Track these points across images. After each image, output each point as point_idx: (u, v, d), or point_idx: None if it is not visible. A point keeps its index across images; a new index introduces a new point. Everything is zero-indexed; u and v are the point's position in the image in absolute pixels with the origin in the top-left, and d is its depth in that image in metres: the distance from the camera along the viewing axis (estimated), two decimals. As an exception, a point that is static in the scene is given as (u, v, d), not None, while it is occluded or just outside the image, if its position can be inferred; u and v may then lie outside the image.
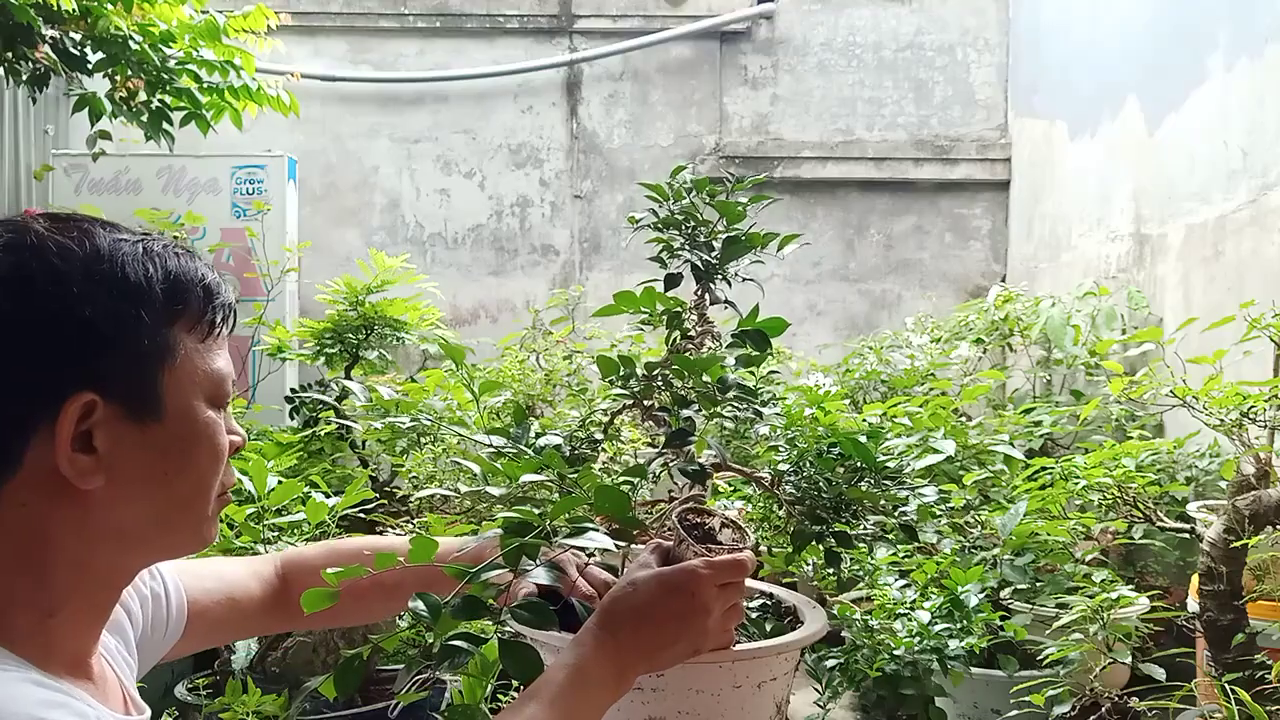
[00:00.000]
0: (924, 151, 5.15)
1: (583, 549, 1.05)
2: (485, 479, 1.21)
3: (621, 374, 1.26)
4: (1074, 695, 2.00)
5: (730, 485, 2.28)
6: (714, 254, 1.31)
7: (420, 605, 0.94)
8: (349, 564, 1.00)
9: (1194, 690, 2.07)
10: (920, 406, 2.49)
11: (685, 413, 1.23)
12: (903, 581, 2.28)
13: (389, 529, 2.32)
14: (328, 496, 2.02)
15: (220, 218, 4.37)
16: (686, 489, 1.24)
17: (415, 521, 2.33)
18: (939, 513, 1.29)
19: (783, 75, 5.21)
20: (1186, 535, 2.38)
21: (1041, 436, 3.19)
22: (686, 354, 1.26)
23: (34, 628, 0.81)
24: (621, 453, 2.40)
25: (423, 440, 2.36)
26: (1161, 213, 3.60)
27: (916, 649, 2.03)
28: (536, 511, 1.02)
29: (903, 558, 2.33)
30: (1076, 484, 2.40)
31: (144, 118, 3.33)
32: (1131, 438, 2.85)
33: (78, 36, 3.14)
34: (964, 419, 3.05)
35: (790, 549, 1.28)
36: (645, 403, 1.27)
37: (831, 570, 1.73)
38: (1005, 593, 2.47)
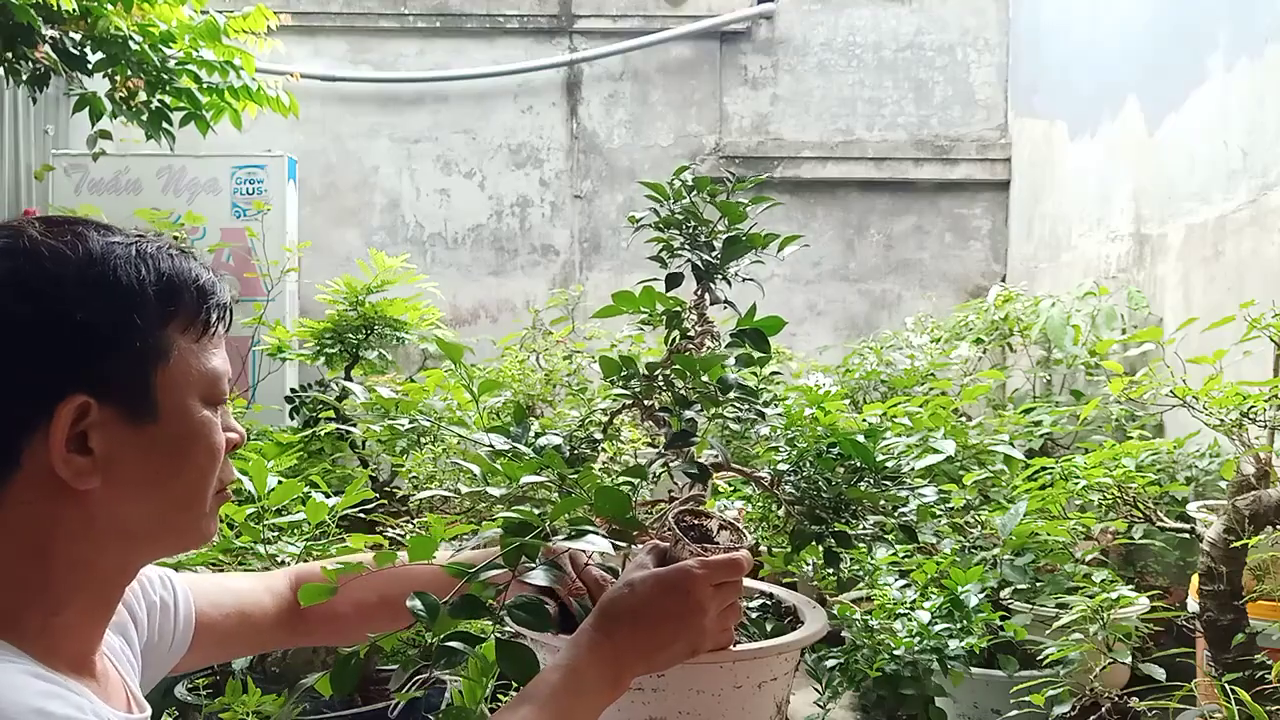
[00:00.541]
0: (924, 151, 5.15)
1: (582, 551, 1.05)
2: (485, 479, 1.21)
3: (623, 374, 1.26)
4: (1074, 695, 2.00)
5: (730, 485, 2.28)
6: (714, 254, 1.31)
7: (418, 604, 0.94)
8: (364, 580, 1.01)
9: (1194, 690, 2.07)
10: (920, 406, 2.49)
11: (687, 413, 1.23)
12: (903, 581, 2.27)
13: (389, 529, 2.32)
14: (328, 496, 2.02)
15: (220, 218, 4.37)
16: (687, 489, 1.24)
17: (415, 521, 2.33)
18: (939, 513, 1.29)
19: (783, 75, 5.21)
20: (1186, 535, 2.38)
21: (1041, 436, 3.19)
22: (687, 354, 1.26)
23: (40, 626, 0.82)
24: (621, 453, 2.40)
25: (423, 440, 2.36)
26: (1161, 213, 3.60)
27: (916, 649, 2.03)
28: (536, 512, 1.02)
29: (903, 558, 2.33)
30: (1076, 484, 2.40)
31: (144, 118, 3.33)
32: (1131, 438, 2.85)
33: (78, 36, 3.14)
34: (964, 419, 3.05)
35: (790, 549, 1.28)
36: (646, 403, 1.27)
37: (831, 570, 1.73)
38: (1005, 593, 2.47)
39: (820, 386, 2.71)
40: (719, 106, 5.21)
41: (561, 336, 3.87)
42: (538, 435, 1.32)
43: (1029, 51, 4.98)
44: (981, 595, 2.19)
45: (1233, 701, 1.68)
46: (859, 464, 1.27)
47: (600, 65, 5.18)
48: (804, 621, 1.26)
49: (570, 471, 1.19)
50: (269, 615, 1.18)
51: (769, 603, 1.36)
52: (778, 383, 3.32)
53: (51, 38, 3.11)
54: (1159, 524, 2.39)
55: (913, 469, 1.32)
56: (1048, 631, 2.18)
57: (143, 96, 3.30)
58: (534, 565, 1.02)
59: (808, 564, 2.51)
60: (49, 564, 0.82)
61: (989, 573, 2.35)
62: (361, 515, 2.35)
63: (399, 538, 2.19)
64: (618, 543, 1.13)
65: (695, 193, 1.31)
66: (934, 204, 5.20)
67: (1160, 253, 3.60)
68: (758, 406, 1.24)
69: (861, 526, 1.25)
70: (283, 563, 1.97)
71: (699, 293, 1.32)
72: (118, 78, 3.25)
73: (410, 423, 2.08)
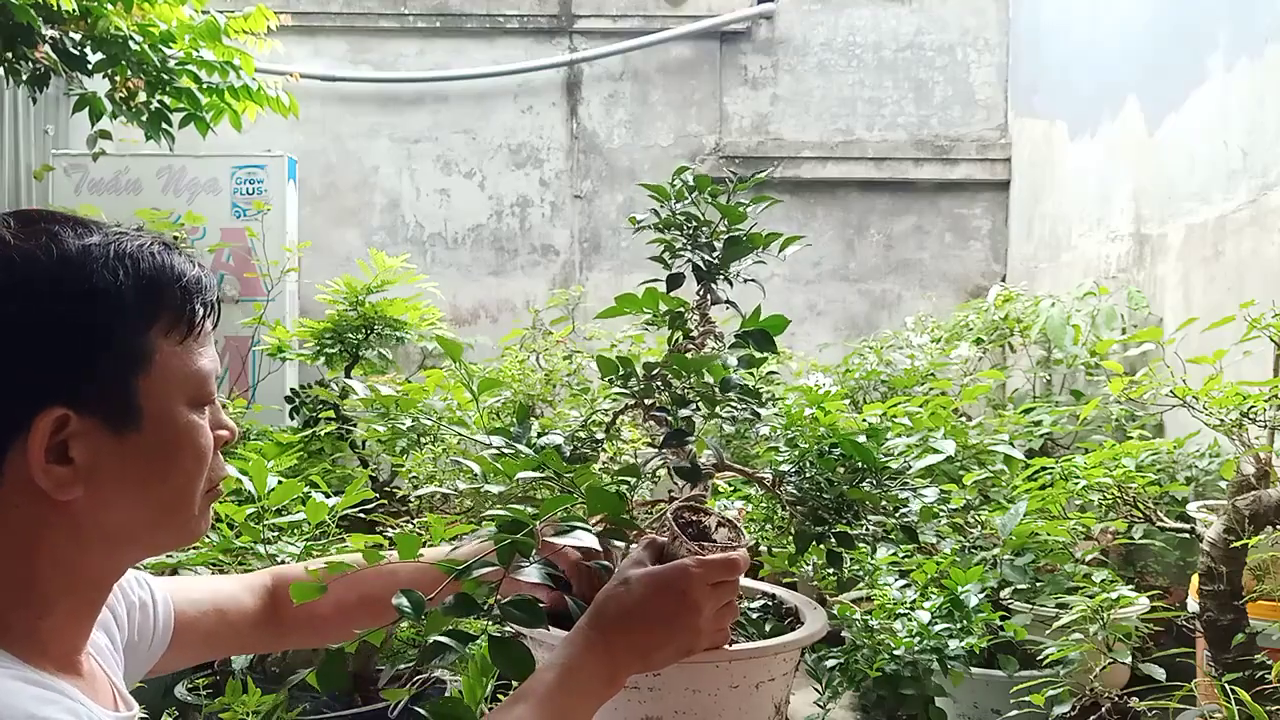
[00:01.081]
0: (924, 151, 5.15)
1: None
2: (485, 478, 1.21)
3: (621, 374, 1.26)
4: (1074, 695, 2.00)
5: (730, 485, 2.28)
6: (715, 254, 1.31)
7: (404, 601, 0.94)
8: (345, 580, 1.01)
9: (1194, 690, 2.07)
10: (920, 406, 2.49)
11: (684, 412, 1.22)
12: (903, 581, 2.27)
13: (389, 529, 2.32)
14: (328, 496, 2.02)
15: (220, 218, 4.37)
16: (686, 489, 1.24)
17: (415, 521, 2.33)
18: (940, 513, 1.29)
19: (783, 75, 5.21)
20: (1186, 535, 2.38)
21: (1041, 436, 3.19)
22: (688, 354, 1.26)
23: (27, 628, 0.81)
24: (622, 453, 2.40)
25: (423, 440, 2.36)
26: (1161, 213, 3.60)
27: (916, 649, 2.03)
28: (530, 511, 1.02)
29: (903, 558, 2.33)
30: (1076, 484, 2.40)
31: (144, 118, 3.33)
32: (1131, 438, 2.85)
33: (78, 36, 3.14)
34: (964, 419, 3.05)
35: (792, 549, 1.28)
36: (646, 402, 1.27)
37: (832, 570, 1.73)
38: (1005, 593, 2.47)
39: (820, 386, 2.71)
40: (719, 106, 5.21)
41: (561, 337, 3.87)
42: (539, 435, 1.32)
43: (1029, 51, 4.98)
44: (981, 595, 2.19)
45: (1233, 701, 1.68)
46: (860, 464, 1.27)
47: (600, 65, 5.18)
48: (804, 621, 1.26)
49: (568, 471, 1.19)
50: (248, 615, 1.17)
51: (770, 603, 1.36)
52: (777, 382, 3.32)
53: (51, 38, 3.11)
54: (1159, 524, 2.39)
55: (913, 469, 1.32)
56: (1048, 631, 2.18)
57: (143, 97, 3.30)
58: (527, 563, 1.02)
59: (808, 564, 2.51)
60: (35, 567, 0.81)
61: (989, 573, 2.35)
62: (361, 515, 2.35)
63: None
64: (614, 540, 1.13)
65: (696, 193, 1.31)
66: (934, 204, 5.20)
67: (1160, 253, 3.60)
68: (754, 406, 1.24)
69: (863, 527, 1.25)
70: (282, 563, 1.98)
71: (700, 293, 1.32)
72: (118, 78, 3.25)
73: (411, 422, 2.09)
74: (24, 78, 3.17)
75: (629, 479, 1.22)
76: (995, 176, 5.13)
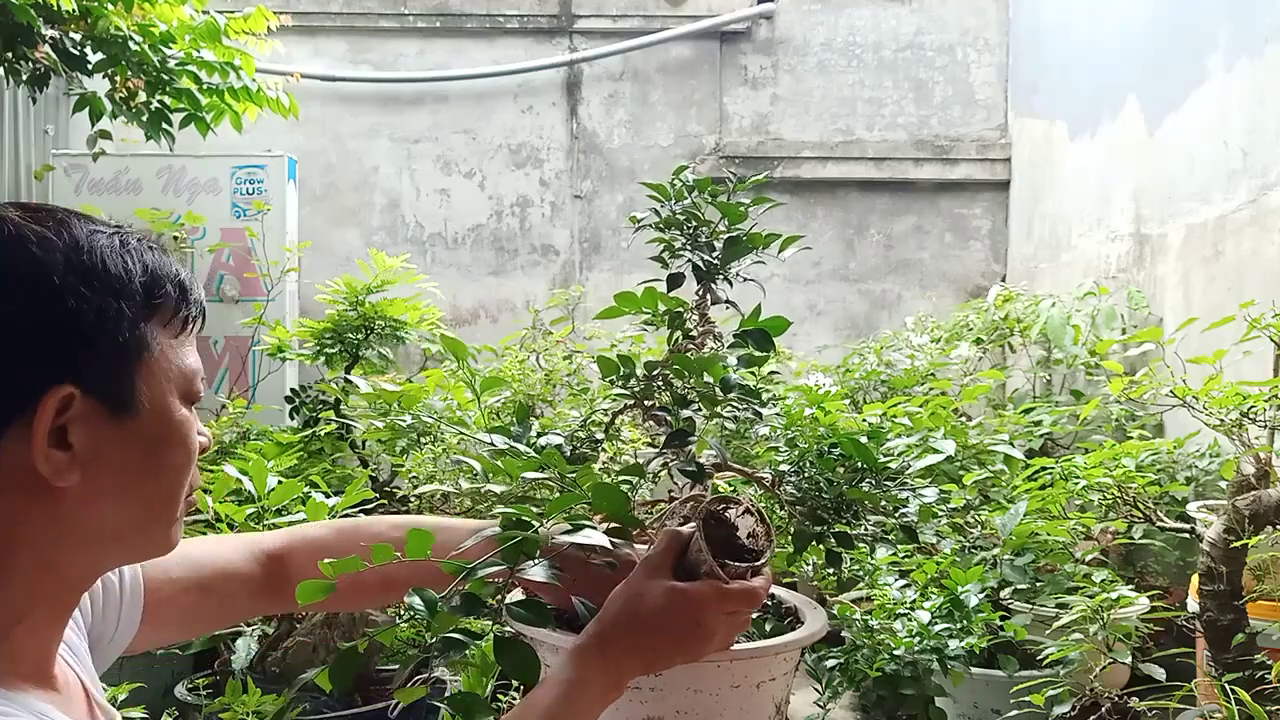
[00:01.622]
0: (924, 151, 5.15)
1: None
2: (486, 477, 1.21)
3: (621, 374, 1.26)
4: (1074, 695, 2.00)
5: (730, 485, 2.28)
6: (715, 254, 1.31)
7: (417, 601, 0.94)
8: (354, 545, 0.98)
9: (1194, 690, 2.07)
10: (920, 406, 2.49)
11: (685, 413, 1.22)
12: (903, 581, 2.28)
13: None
14: (328, 496, 2.02)
15: (220, 218, 4.37)
16: (687, 489, 1.24)
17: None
18: (939, 513, 1.29)
19: (783, 75, 5.21)
20: (1186, 535, 2.39)
21: (1041, 436, 3.19)
22: (688, 354, 1.26)
23: (0, 635, 0.80)
24: (622, 453, 2.40)
25: (423, 440, 2.36)
26: (1161, 213, 3.60)
27: (916, 649, 2.03)
28: (535, 510, 1.02)
29: (903, 558, 2.33)
30: (1076, 484, 2.40)
31: (144, 118, 3.33)
32: (1131, 438, 2.85)
33: (78, 36, 3.14)
34: (964, 419, 3.05)
35: (791, 549, 1.27)
36: (646, 403, 1.27)
37: (832, 570, 1.73)
38: (1005, 593, 2.47)
39: (820, 386, 2.71)
40: (719, 106, 5.21)
41: (562, 336, 3.87)
42: (539, 434, 1.32)
43: (1029, 51, 4.98)
44: (981, 595, 2.19)
45: (1233, 701, 1.68)
46: (860, 464, 1.27)
47: (600, 65, 5.18)
48: (804, 621, 1.26)
49: (570, 470, 1.18)
50: (241, 583, 1.12)
51: (769, 603, 1.36)
52: (777, 382, 3.32)
53: (51, 38, 3.11)
54: (1159, 524, 2.39)
55: (913, 469, 1.32)
56: (1048, 631, 2.18)
57: (143, 97, 3.30)
58: (533, 563, 1.01)
59: (808, 564, 2.51)
60: (14, 564, 0.80)
61: (989, 573, 2.35)
62: (361, 515, 2.35)
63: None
64: (616, 540, 1.12)
65: (696, 193, 1.31)
66: (934, 204, 5.20)
67: (1160, 253, 3.60)
68: (755, 406, 1.24)
69: (863, 527, 1.25)
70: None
71: (700, 293, 1.32)
72: (118, 78, 3.25)
73: (411, 420, 2.09)
74: (24, 78, 3.17)
75: (632, 478, 1.21)
76: (995, 176, 5.14)
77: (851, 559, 2.21)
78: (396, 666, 2.25)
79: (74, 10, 2.94)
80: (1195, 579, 2.01)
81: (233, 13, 3.37)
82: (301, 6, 4.94)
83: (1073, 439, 3.27)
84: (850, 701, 2.38)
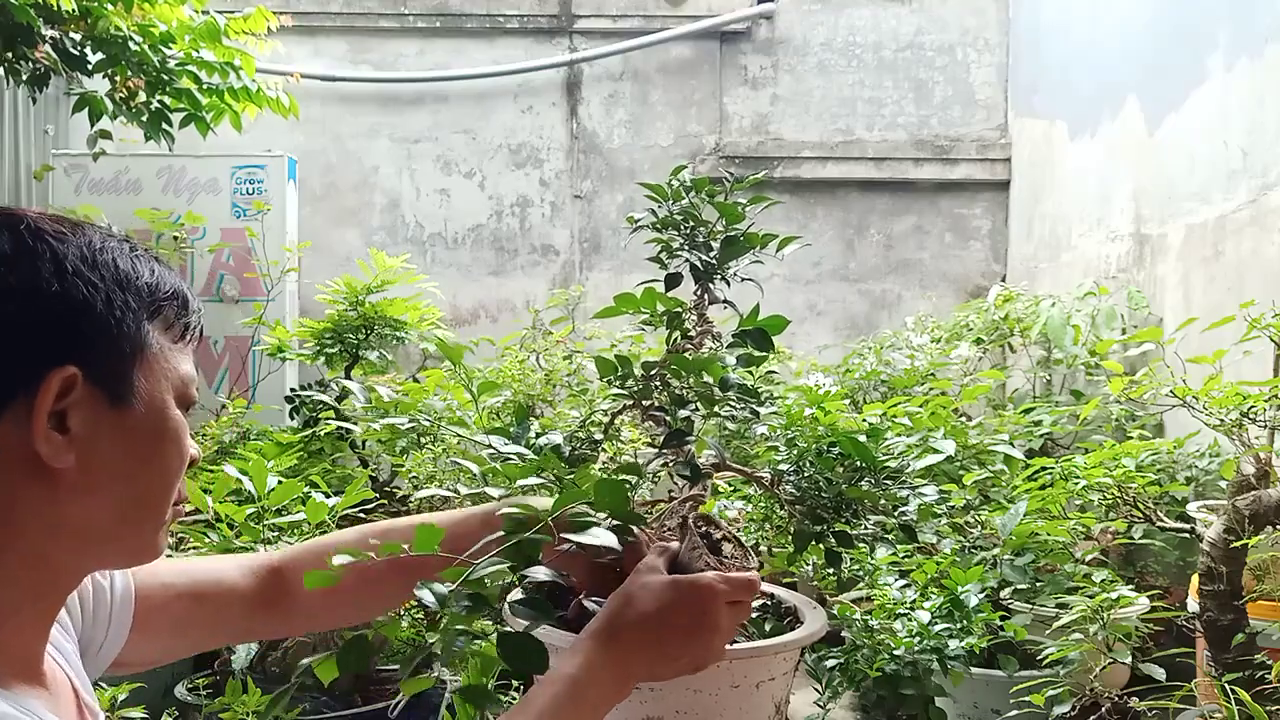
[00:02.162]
0: (924, 151, 5.15)
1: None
2: (485, 479, 1.21)
3: (619, 374, 1.26)
4: (1074, 695, 2.00)
5: (730, 485, 2.28)
6: (713, 254, 1.31)
7: (427, 594, 0.94)
8: (354, 578, 0.97)
9: (1194, 690, 2.07)
10: (920, 406, 2.49)
11: (683, 413, 1.22)
12: (903, 581, 2.27)
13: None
14: (328, 496, 2.02)
15: (220, 218, 4.37)
16: (686, 489, 1.24)
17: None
18: (939, 512, 1.29)
19: (783, 75, 5.21)
20: (1186, 535, 2.38)
21: (1041, 436, 3.19)
22: (686, 354, 1.26)
23: None
24: (621, 453, 2.40)
25: (422, 440, 2.36)
26: (1161, 213, 3.60)
27: (916, 649, 2.03)
28: (540, 507, 1.01)
29: (903, 558, 2.33)
30: (1076, 484, 2.40)
31: (144, 118, 3.33)
32: (1131, 438, 2.85)
33: (78, 36, 3.14)
34: (964, 419, 3.05)
35: (791, 549, 1.27)
36: (644, 403, 1.27)
37: (832, 570, 1.73)
38: (1005, 593, 2.47)
39: (820, 386, 2.71)
40: (719, 106, 5.21)
41: (561, 337, 3.87)
42: (538, 435, 1.32)
43: (1029, 51, 4.98)
44: (981, 595, 2.19)
45: (1233, 701, 1.68)
46: (859, 464, 1.27)
47: (600, 65, 5.18)
48: (804, 621, 1.26)
49: (568, 471, 1.18)
50: (236, 597, 1.11)
51: (769, 603, 1.36)
52: (776, 382, 3.31)
53: (51, 38, 3.11)
54: (1159, 524, 2.39)
55: (913, 469, 1.32)
56: (1048, 631, 2.18)
57: (143, 97, 3.30)
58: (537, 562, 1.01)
59: (808, 564, 2.51)
60: (5, 555, 0.81)
61: (989, 573, 2.35)
62: (361, 515, 2.35)
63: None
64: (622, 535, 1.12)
65: (694, 193, 1.31)
66: (934, 204, 5.20)
67: (1160, 253, 3.60)
68: (753, 406, 1.24)
69: (862, 526, 1.25)
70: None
71: (698, 293, 1.32)
72: (118, 78, 3.25)
73: (410, 422, 2.09)
74: (24, 78, 3.17)
75: (631, 477, 1.21)
76: (995, 176, 5.13)
77: (851, 559, 2.21)
78: (396, 667, 2.25)
79: (74, 10, 2.94)
80: (1195, 579, 2.01)
81: (233, 13, 3.37)
82: (301, 6, 4.94)
83: (1073, 439, 3.27)
84: (850, 701, 2.38)
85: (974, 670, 2.16)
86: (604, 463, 2.04)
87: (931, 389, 3.27)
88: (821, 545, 1.24)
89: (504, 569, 0.98)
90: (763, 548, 2.21)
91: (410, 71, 5.14)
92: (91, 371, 0.81)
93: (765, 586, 1.40)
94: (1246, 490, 2.01)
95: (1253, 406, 2.04)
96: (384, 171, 5.17)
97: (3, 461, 0.79)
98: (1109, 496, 2.40)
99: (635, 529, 1.11)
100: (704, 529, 1.15)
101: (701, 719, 1.12)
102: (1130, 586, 2.20)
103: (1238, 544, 1.89)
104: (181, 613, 1.08)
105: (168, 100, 3.35)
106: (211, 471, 2.09)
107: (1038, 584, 2.42)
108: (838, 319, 5.21)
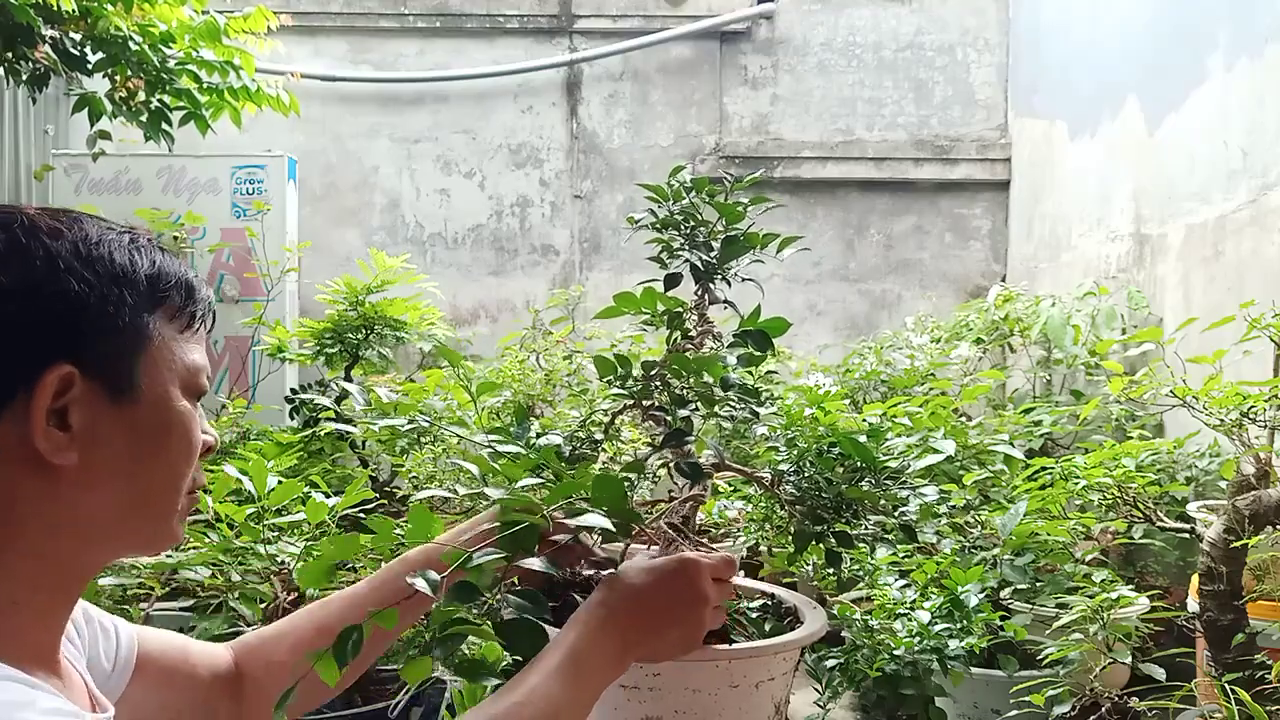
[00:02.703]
0: (924, 151, 5.15)
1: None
2: (484, 480, 1.21)
3: (619, 374, 1.26)
4: (1074, 695, 2.00)
5: (730, 485, 2.28)
6: (713, 254, 1.31)
7: (421, 582, 0.94)
8: (299, 620, 1.02)
9: (1194, 690, 2.07)
10: (920, 406, 2.49)
11: (682, 412, 1.22)
12: (903, 581, 2.27)
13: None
14: (328, 496, 2.02)
15: (220, 218, 4.37)
16: (686, 489, 1.24)
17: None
18: (939, 512, 1.29)
19: (783, 75, 5.21)
20: (1186, 535, 2.38)
21: (1041, 436, 3.19)
22: (686, 354, 1.26)
23: None
24: (621, 453, 2.40)
25: (422, 440, 2.36)
26: (1161, 213, 3.60)
27: (916, 649, 2.03)
28: (536, 498, 1.02)
29: (903, 558, 2.33)
30: (1076, 484, 2.40)
31: (144, 118, 3.33)
32: (1131, 438, 2.85)
33: (78, 36, 3.14)
34: (964, 419, 3.05)
35: (791, 549, 1.28)
36: (644, 403, 1.27)
37: (832, 570, 1.73)
38: (1005, 593, 2.47)
39: (820, 386, 2.71)
40: (719, 106, 5.21)
41: (561, 336, 3.87)
42: (538, 435, 1.32)
43: (1029, 51, 4.98)
44: (981, 595, 2.19)
45: (1233, 701, 1.68)
46: (859, 464, 1.27)
47: (600, 65, 5.18)
48: (804, 621, 1.26)
49: (568, 470, 1.18)
50: (213, 664, 1.10)
51: (769, 603, 1.36)
52: (776, 382, 3.31)
53: (51, 38, 3.11)
54: (1159, 524, 2.39)
55: (913, 469, 1.32)
56: (1048, 631, 2.18)
57: (142, 96, 3.30)
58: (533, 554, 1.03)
59: (808, 564, 2.51)
60: (8, 549, 0.80)
61: (989, 573, 2.34)
62: (361, 515, 2.35)
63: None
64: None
65: (694, 193, 1.31)
66: (934, 204, 5.20)
67: (1160, 253, 3.60)
68: (753, 406, 1.24)
69: (862, 526, 1.25)
70: (282, 563, 1.98)
71: (699, 293, 1.32)
72: (118, 78, 3.25)
73: (410, 423, 2.09)
74: (24, 78, 3.17)
75: (631, 475, 1.21)
76: (995, 176, 5.13)
77: (851, 559, 2.21)
78: (397, 667, 2.25)
79: (74, 10, 2.94)
80: (1195, 579, 2.01)
81: (233, 13, 3.37)
82: (301, 6, 4.94)
83: (1073, 439, 3.27)
84: (850, 701, 2.38)
85: (974, 670, 2.16)
86: (604, 463, 2.04)
87: (931, 389, 3.27)
88: (821, 545, 1.25)
89: (500, 558, 0.99)
90: (763, 548, 2.22)
91: (410, 71, 5.14)
92: (90, 368, 0.81)
93: (765, 586, 1.40)
94: (1246, 490, 2.01)
95: (1253, 406, 2.04)
96: (384, 171, 5.17)
97: (4, 460, 0.79)
98: (1109, 496, 2.40)
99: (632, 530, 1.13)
100: (673, 535, 1.20)
101: (701, 719, 1.12)
102: (1130, 586, 2.20)
103: (1238, 544, 1.89)
104: (171, 664, 1.07)
105: (167, 99, 3.35)
106: (211, 471, 2.09)
107: (1038, 584, 2.42)
108: (838, 319, 5.21)
